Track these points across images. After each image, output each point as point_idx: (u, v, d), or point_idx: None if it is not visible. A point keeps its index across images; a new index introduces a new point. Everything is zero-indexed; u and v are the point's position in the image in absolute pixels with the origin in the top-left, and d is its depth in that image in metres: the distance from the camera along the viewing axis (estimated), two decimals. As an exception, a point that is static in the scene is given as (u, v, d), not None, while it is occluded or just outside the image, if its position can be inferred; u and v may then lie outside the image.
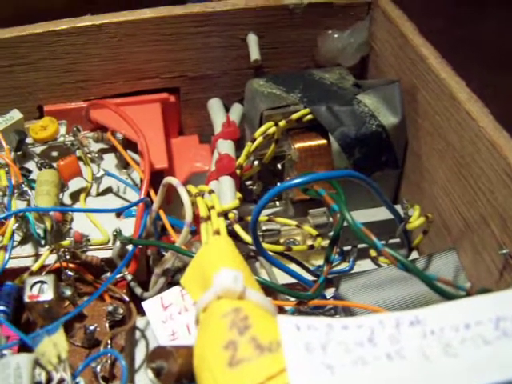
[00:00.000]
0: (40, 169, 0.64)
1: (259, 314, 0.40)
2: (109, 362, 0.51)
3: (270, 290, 0.52)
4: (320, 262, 0.64)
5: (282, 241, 0.65)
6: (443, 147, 0.60)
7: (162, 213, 0.59)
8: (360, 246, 0.65)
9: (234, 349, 0.37)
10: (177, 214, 0.61)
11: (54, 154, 0.68)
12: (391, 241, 0.63)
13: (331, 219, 0.63)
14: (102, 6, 0.67)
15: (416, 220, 0.57)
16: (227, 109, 0.73)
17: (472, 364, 0.35)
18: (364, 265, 0.65)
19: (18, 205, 0.60)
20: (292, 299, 0.54)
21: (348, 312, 0.57)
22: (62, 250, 0.56)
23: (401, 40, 0.66)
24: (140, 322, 0.59)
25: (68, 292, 0.54)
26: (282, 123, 0.62)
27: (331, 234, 0.62)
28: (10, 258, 0.54)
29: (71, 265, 0.57)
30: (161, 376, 0.41)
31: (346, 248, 0.65)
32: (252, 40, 0.70)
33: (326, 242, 0.62)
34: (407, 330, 0.37)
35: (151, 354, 0.42)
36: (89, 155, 0.66)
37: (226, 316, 0.39)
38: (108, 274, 0.58)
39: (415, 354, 0.36)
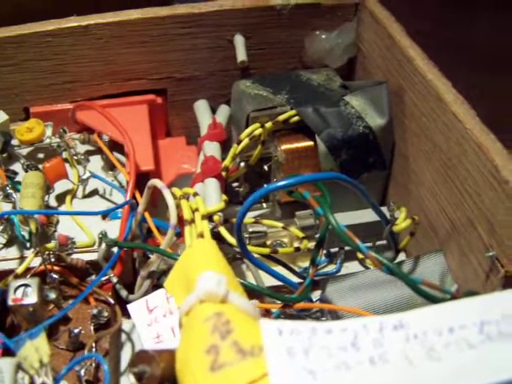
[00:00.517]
0: (26, 171, 0.64)
1: (241, 318, 0.40)
2: (93, 365, 0.51)
3: (255, 292, 0.51)
4: (307, 264, 0.64)
5: (268, 243, 0.64)
6: (430, 149, 0.60)
7: (147, 215, 0.58)
8: (347, 247, 0.64)
9: (216, 353, 0.37)
10: (163, 216, 0.60)
11: (40, 155, 0.67)
12: (378, 242, 0.63)
13: (318, 221, 0.63)
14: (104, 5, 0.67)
15: (402, 222, 0.57)
16: (214, 110, 0.73)
17: (456, 368, 0.35)
18: (351, 267, 0.65)
19: (3, 207, 0.60)
20: (278, 302, 0.53)
21: (334, 314, 0.57)
22: (46, 252, 0.56)
23: (388, 41, 0.66)
24: (126, 324, 0.59)
25: (52, 295, 0.54)
26: (268, 125, 0.62)
27: (318, 235, 0.62)
28: (-6, 261, 0.54)
29: (56, 267, 0.56)
30: (143, 380, 0.40)
31: (333, 250, 0.65)
32: (239, 41, 0.70)
33: (312, 244, 0.62)
34: (391, 334, 0.37)
35: (133, 359, 0.41)
36: (75, 157, 0.65)
37: (208, 320, 0.39)
38: (93, 277, 0.57)
39: (398, 358, 0.35)
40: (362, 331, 0.37)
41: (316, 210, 0.48)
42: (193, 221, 0.51)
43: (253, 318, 0.41)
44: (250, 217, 0.65)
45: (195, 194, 0.54)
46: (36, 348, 0.43)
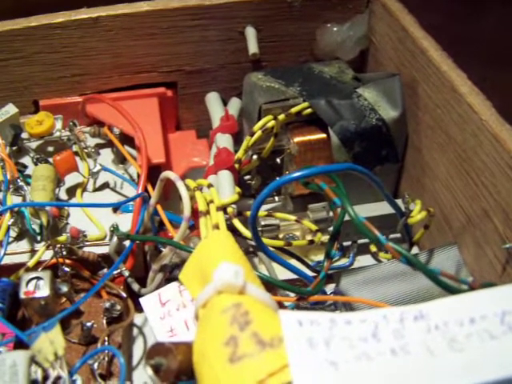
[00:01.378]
0: (36, 164, 0.63)
1: (260, 309, 0.39)
2: (106, 359, 0.51)
3: (269, 285, 0.51)
4: (319, 257, 0.64)
5: (281, 236, 0.64)
6: (444, 141, 0.59)
7: (159, 208, 0.58)
8: (360, 241, 0.64)
9: (235, 345, 0.36)
10: (175, 209, 0.60)
11: (50, 149, 0.67)
12: (392, 235, 0.62)
13: (331, 214, 0.63)
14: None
15: (417, 214, 0.56)
16: (225, 103, 0.72)
17: (478, 359, 0.34)
18: (364, 260, 0.65)
19: (14, 200, 0.59)
20: (292, 295, 0.53)
21: (349, 307, 0.56)
22: (58, 245, 0.55)
23: (401, 33, 0.65)
24: (138, 318, 0.58)
25: (64, 288, 0.53)
26: (281, 117, 0.62)
27: (330, 228, 0.62)
28: (5, 254, 0.54)
29: (68, 261, 0.56)
30: (160, 373, 0.40)
31: (345, 243, 0.64)
32: (250, 33, 0.69)
33: (325, 237, 0.61)
34: (411, 325, 0.36)
35: (150, 351, 0.41)
36: (85, 150, 0.65)
37: (227, 311, 0.38)
38: (105, 270, 0.57)
39: (420, 349, 0.35)
40: (382, 322, 0.37)
41: (334, 200, 0.47)
42: (208, 212, 0.50)
43: (271, 309, 0.40)
44: (262, 210, 0.64)
45: (209, 186, 0.54)
46: (51, 340, 0.42)
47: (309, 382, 0.34)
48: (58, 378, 0.43)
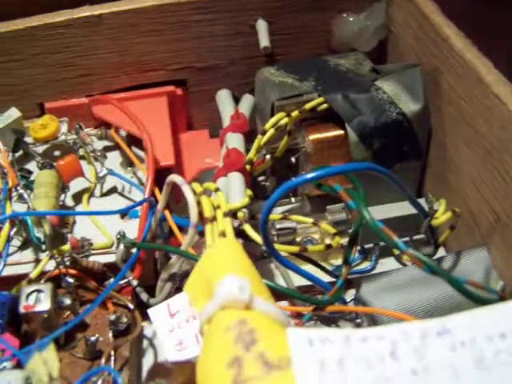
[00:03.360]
0: (41, 169, 0.61)
1: (267, 327, 0.36)
2: (112, 374, 0.48)
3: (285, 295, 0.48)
4: (339, 260, 0.60)
5: (298, 239, 0.61)
6: (470, 135, 0.56)
7: (167, 213, 0.55)
8: (383, 243, 0.61)
9: (239, 366, 0.33)
10: (186, 213, 0.57)
11: (56, 153, 0.65)
12: (416, 237, 0.59)
13: (350, 215, 0.60)
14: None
15: (442, 215, 0.53)
16: (238, 100, 0.69)
17: (508, 380, 0.31)
18: (387, 263, 0.61)
19: (18, 208, 0.57)
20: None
21: (369, 316, 0.53)
22: (61, 255, 0.53)
23: (422, 21, 0.61)
24: (148, 329, 0.57)
25: (67, 301, 0.51)
26: (294, 113, 0.59)
27: (351, 231, 0.59)
28: (5, 265, 0.52)
29: (72, 271, 0.54)
30: (161, 395, 0.37)
31: (367, 246, 0.61)
32: (261, 26, 0.66)
33: (345, 240, 0.58)
34: (434, 342, 0.33)
35: (150, 372, 0.38)
36: (92, 154, 0.62)
37: (231, 329, 0.35)
38: (112, 280, 0.54)
39: (443, 369, 0.32)
40: (401, 339, 0.33)
41: (349, 203, 0.44)
42: (214, 219, 0.47)
43: (280, 326, 0.37)
44: (277, 212, 0.62)
45: (216, 190, 0.51)
46: (44, 361, 0.40)
47: (320, 410, 0.31)
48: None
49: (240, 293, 0.36)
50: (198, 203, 0.49)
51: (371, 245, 0.61)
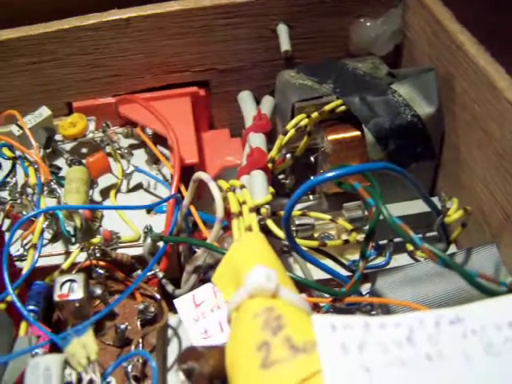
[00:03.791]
0: (70, 166, 0.64)
1: (293, 313, 0.38)
2: (140, 361, 0.50)
3: (304, 286, 0.50)
4: (355, 256, 0.63)
5: (316, 235, 0.63)
6: (483, 138, 0.58)
7: (192, 208, 0.58)
8: (396, 239, 0.63)
9: (267, 350, 0.36)
10: (207, 208, 0.60)
11: (84, 150, 0.67)
12: (428, 234, 0.61)
13: (366, 213, 0.62)
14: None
15: (454, 213, 0.55)
16: (258, 101, 0.71)
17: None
18: (400, 259, 0.63)
19: (48, 202, 0.59)
20: (326, 296, 0.52)
21: (385, 308, 0.55)
22: (91, 247, 0.55)
23: (436, 27, 0.64)
24: (172, 319, 0.58)
25: (98, 291, 0.53)
26: (314, 115, 0.61)
27: (366, 227, 0.61)
28: (39, 256, 0.54)
29: (101, 263, 0.56)
30: (192, 377, 0.39)
31: (381, 242, 0.63)
32: (282, 30, 0.68)
33: (361, 236, 0.61)
34: (447, 330, 0.35)
35: (182, 355, 0.40)
36: (118, 151, 0.65)
37: (259, 316, 0.38)
38: (139, 272, 0.57)
39: (456, 354, 0.34)
40: (417, 326, 0.36)
41: (367, 201, 0.46)
42: (240, 214, 0.50)
43: (305, 313, 0.39)
44: (296, 209, 0.64)
45: (242, 187, 0.53)
46: (83, 345, 0.42)
47: (343, 389, 0.33)
48: (91, 381, 0.43)
49: (267, 282, 0.39)
50: (224, 199, 0.52)
51: (385, 241, 0.63)
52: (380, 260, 0.63)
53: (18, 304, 0.48)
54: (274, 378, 0.34)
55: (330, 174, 0.44)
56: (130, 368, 0.49)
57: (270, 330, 0.37)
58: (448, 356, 0.34)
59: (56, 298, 0.50)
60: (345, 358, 0.34)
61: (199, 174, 0.53)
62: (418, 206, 0.60)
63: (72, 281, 0.51)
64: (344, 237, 0.62)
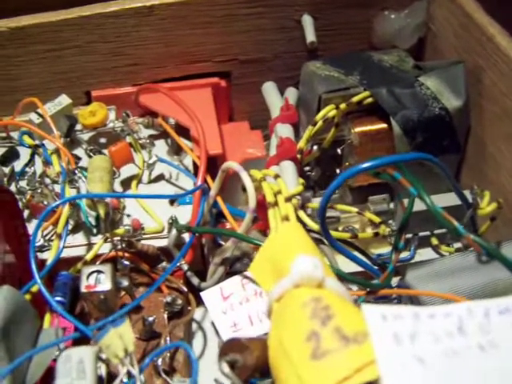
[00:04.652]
0: (89, 156, 0.63)
1: (340, 304, 0.38)
2: (168, 355, 0.50)
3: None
4: (379, 250, 0.62)
5: (340, 228, 0.62)
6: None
7: (219, 199, 0.57)
8: (421, 233, 0.62)
9: (317, 340, 0.35)
10: (228, 200, 0.59)
11: (103, 140, 0.66)
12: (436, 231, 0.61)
13: (391, 206, 0.61)
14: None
15: (487, 206, 0.54)
16: (280, 93, 0.70)
17: None
18: (425, 253, 0.62)
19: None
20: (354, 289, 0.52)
21: (416, 302, 0.54)
22: (117, 238, 0.54)
23: (464, 19, 0.63)
24: (196, 313, 0.57)
25: (125, 282, 0.52)
26: (342, 106, 0.60)
27: (390, 221, 0.60)
28: (64, 247, 0.52)
29: (126, 254, 0.55)
30: (235, 370, 0.39)
31: (406, 236, 0.62)
32: (307, 21, 0.68)
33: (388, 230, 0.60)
34: (497, 320, 0.35)
35: (224, 347, 0.40)
36: (139, 141, 0.64)
37: (307, 305, 0.37)
38: (164, 264, 0.56)
39: (508, 343, 0.34)
40: (466, 316, 0.35)
41: (410, 190, 0.45)
42: (276, 204, 0.49)
43: (349, 303, 0.39)
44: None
45: (276, 177, 0.52)
46: (120, 336, 0.41)
47: (398, 379, 0.32)
48: (129, 373, 0.42)
49: (314, 270, 0.38)
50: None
51: (410, 235, 0.62)
52: (405, 254, 0.62)
53: (47, 294, 0.47)
54: (327, 368, 0.34)
55: (367, 165, 0.44)
56: (159, 362, 0.48)
57: (318, 320, 0.36)
58: (501, 345, 0.34)
59: (83, 289, 0.49)
60: (398, 348, 0.34)
61: (229, 164, 0.53)
62: (442, 201, 0.59)
63: (99, 272, 0.49)
64: (368, 230, 0.61)
